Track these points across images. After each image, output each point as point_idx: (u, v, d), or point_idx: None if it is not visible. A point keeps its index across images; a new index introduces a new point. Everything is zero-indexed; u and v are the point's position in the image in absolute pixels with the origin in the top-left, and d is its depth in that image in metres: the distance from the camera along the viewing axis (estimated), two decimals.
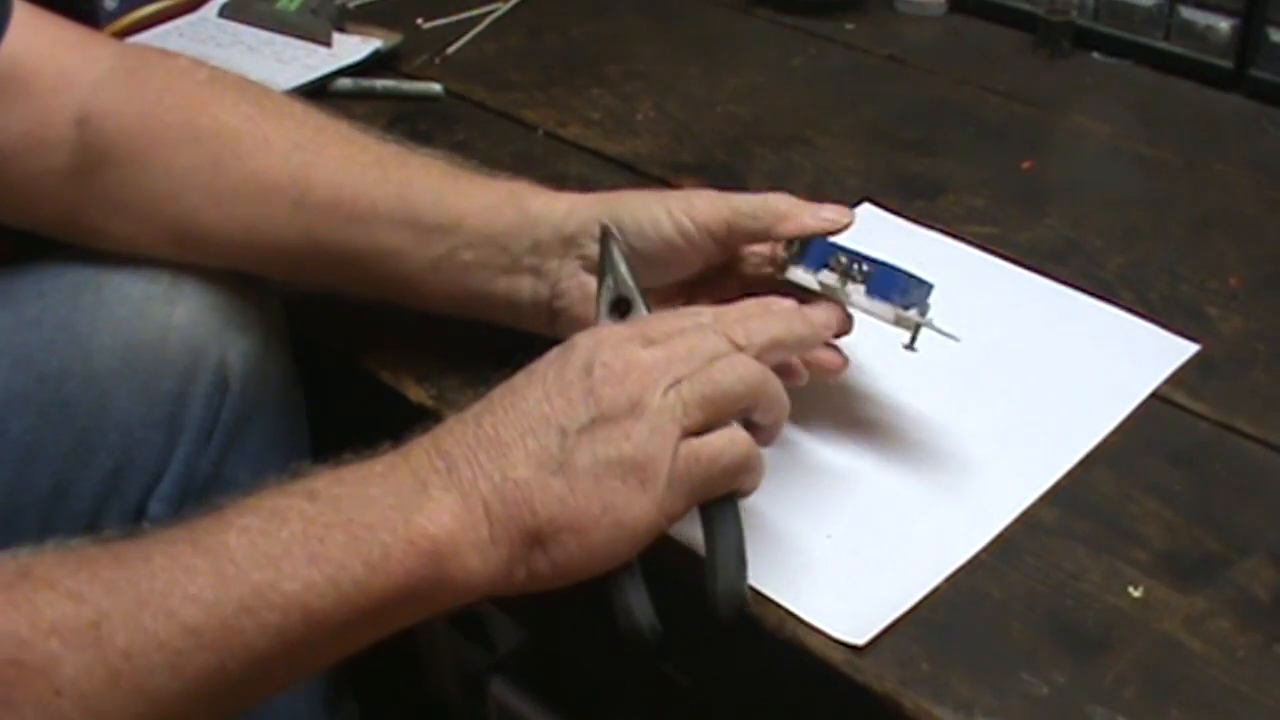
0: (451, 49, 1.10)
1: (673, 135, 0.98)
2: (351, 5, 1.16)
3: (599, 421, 0.56)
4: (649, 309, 0.65)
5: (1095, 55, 1.08)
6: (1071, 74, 1.06)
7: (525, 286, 0.71)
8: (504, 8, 1.16)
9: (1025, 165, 0.93)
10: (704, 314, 0.62)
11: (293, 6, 1.10)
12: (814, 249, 0.67)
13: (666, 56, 1.09)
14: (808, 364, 0.67)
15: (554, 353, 0.59)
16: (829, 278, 0.66)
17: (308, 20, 1.08)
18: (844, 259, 0.66)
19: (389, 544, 0.53)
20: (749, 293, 0.65)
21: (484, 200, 0.71)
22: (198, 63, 0.75)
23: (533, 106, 1.02)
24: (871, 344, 0.67)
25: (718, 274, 0.71)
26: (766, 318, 0.62)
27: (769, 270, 0.70)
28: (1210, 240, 0.85)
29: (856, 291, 0.65)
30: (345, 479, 0.55)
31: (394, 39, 1.08)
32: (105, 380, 0.70)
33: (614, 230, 0.67)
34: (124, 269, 0.71)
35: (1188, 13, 1.02)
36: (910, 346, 0.65)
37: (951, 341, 0.65)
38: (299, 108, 0.74)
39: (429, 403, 0.73)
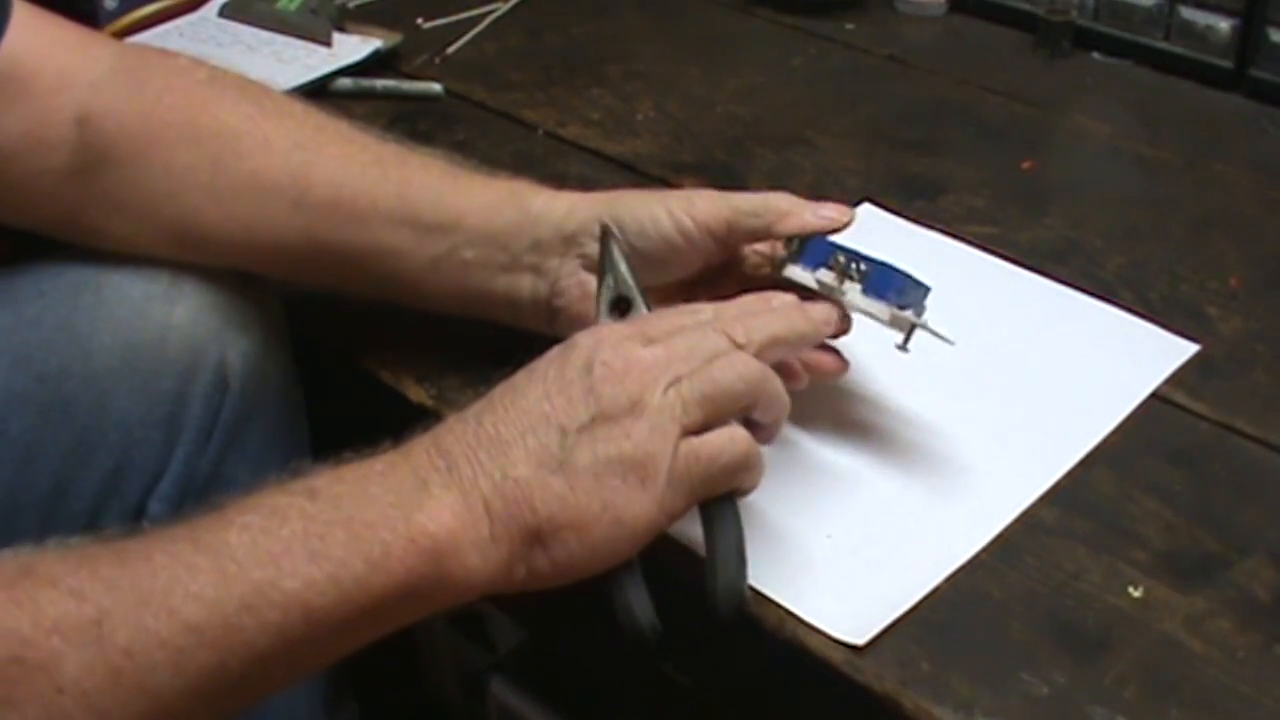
0: (451, 49, 1.10)
1: (673, 135, 0.98)
2: (351, 5, 1.16)
3: (599, 420, 0.56)
4: (649, 308, 0.65)
5: (1095, 55, 1.08)
6: (1071, 74, 1.06)
7: (525, 285, 0.71)
8: (504, 8, 1.16)
9: (1025, 165, 0.93)
10: (704, 311, 0.62)
11: (293, 6, 1.10)
12: (813, 248, 0.67)
13: (666, 56, 1.09)
14: (808, 367, 0.67)
15: (554, 351, 0.60)
16: (826, 276, 0.66)
17: (308, 20, 1.08)
18: (842, 258, 0.66)
19: (389, 542, 0.53)
20: (748, 291, 0.65)
21: (484, 199, 0.71)
22: (197, 62, 0.75)
23: (533, 106, 1.02)
24: (872, 344, 0.67)
25: (717, 273, 0.71)
26: (766, 315, 0.62)
27: (767, 270, 0.70)
28: (1210, 240, 0.85)
29: (853, 290, 0.65)
30: (345, 477, 0.55)
31: (394, 39, 1.08)
32: (105, 380, 0.70)
33: (614, 229, 0.67)
34: (124, 268, 0.71)
35: (1188, 13, 1.02)
36: (903, 347, 0.65)
37: (946, 344, 0.65)
38: (299, 107, 0.74)
39: (429, 402, 0.73)
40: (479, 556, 0.55)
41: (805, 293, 0.67)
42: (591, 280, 0.69)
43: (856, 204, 0.87)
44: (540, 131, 0.99)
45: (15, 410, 0.69)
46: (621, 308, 0.65)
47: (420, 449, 0.57)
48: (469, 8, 1.16)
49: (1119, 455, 0.69)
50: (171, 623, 0.49)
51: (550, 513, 0.55)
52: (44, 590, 0.49)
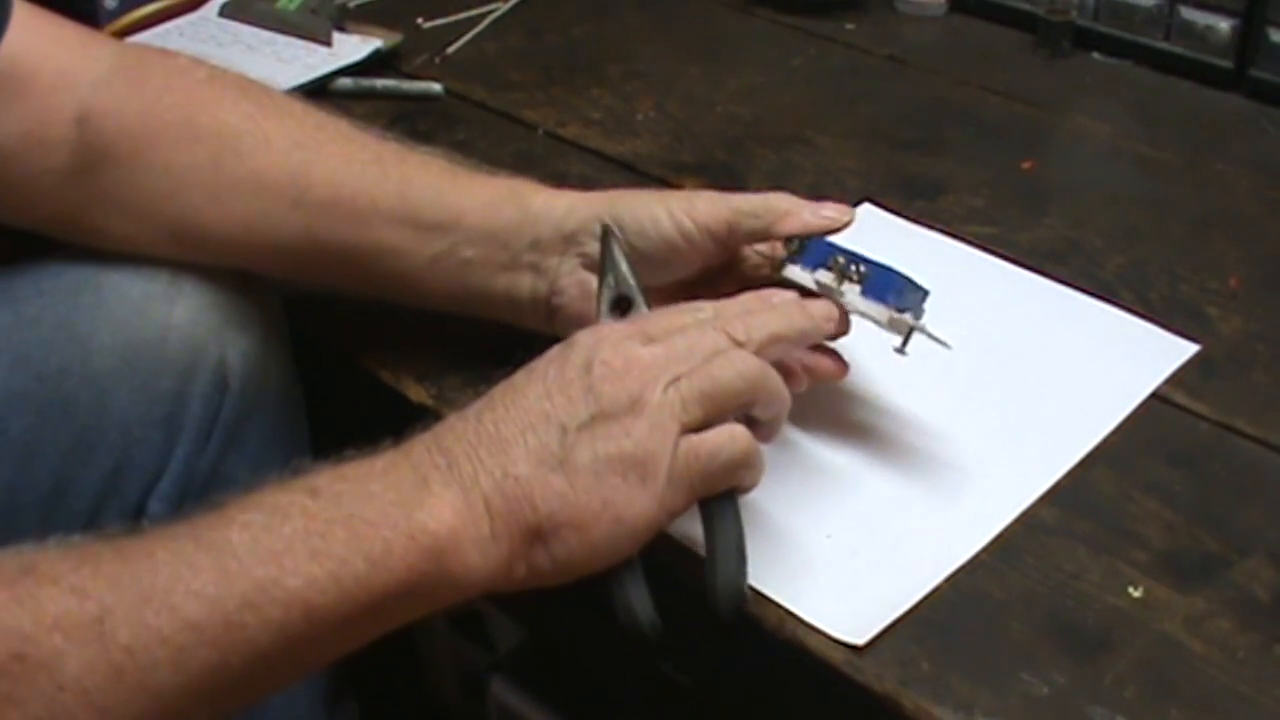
0: (451, 49, 1.10)
1: (673, 135, 0.98)
2: (351, 5, 1.16)
3: (599, 418, 0.56)
4: (649, 307, 0.65)
5: (1095, 55, 1.08)
6: (1071, 74, 1.06)
7: (524, 283, 0.71)
8: (504, 8, 1.16)
9: (1025, 165, 0.93)
10: (704, 310, 0.62)
11: (293, 6, 1.10)
12: (813, 248, 0.67)
13: (666, 56, 1.09)
14: (807, 369, 0.67)
15: (554, 351, 0.60)
16: (825, 277, 0.66)
17: (308, 20, 1.08)
18: (841, 259, 0.66)
19: (390, 540, 0.53)
20: (747, 291, 0.65)
21: (484, 197, 0.71)
22: (197, 61, 0.75)
23: (533, 106, 1.02)
24: (872, 344, 0.67)
25: (717, 273, 0.71)
26: (767, 313, 0.62)
27: (767, 271, 0.70)
28: (1210, 240, 0.85)
29: (852, 292, 0.65)
30: (347, 475, 0.55)
31: (394, 39, 1.08)
32: (105, 379, 0.70)
33: (615, 229, 0.67)
34: (123, 268, 0.71)
35: (1188, 13, 1.02)
36: (901, 350, 0.65)
37: (943, 348, 0.65)
38: (299, 106, 0.74)
39: (429, 402, 0.73)
40: (479, 554, 0.55)
41: (804, 293, 0.67)
42: (591, 279, 0.69)
43: (856, 204, 0.87)
44: (540, 131, 0.99)
45: (15, 409, 0.69)
46: (622, 307, 0.65)
47: (421, 447, 0.57)
48: (469, 8, 1.16)
49: (1119, 455, 0.69)
50: (173, 620, 0.49)
51: (550, 510, 0.55)
52: (45, 588, 0.49)
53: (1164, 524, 0.65)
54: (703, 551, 0.59)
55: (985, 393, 0.73)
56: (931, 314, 0.66)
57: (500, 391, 0.59)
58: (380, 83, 1.04)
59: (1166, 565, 0.62)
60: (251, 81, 0.75)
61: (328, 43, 1.06)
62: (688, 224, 0.68)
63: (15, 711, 0.47)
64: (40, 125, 0.70)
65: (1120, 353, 0.75)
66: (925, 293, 0.66)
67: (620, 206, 0.69)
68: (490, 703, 0.94)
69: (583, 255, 0.69)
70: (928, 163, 0.94)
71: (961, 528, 0.65)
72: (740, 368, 0.59)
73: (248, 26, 1.09)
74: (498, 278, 0.71)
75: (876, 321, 0.65)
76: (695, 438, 0.57)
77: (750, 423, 0.60)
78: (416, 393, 0.74)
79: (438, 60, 1.09)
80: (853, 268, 0.66)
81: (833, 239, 0.67)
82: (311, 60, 1.04)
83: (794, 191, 0.69)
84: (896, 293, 0.65)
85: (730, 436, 0.58)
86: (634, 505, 0.56)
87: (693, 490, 0.58)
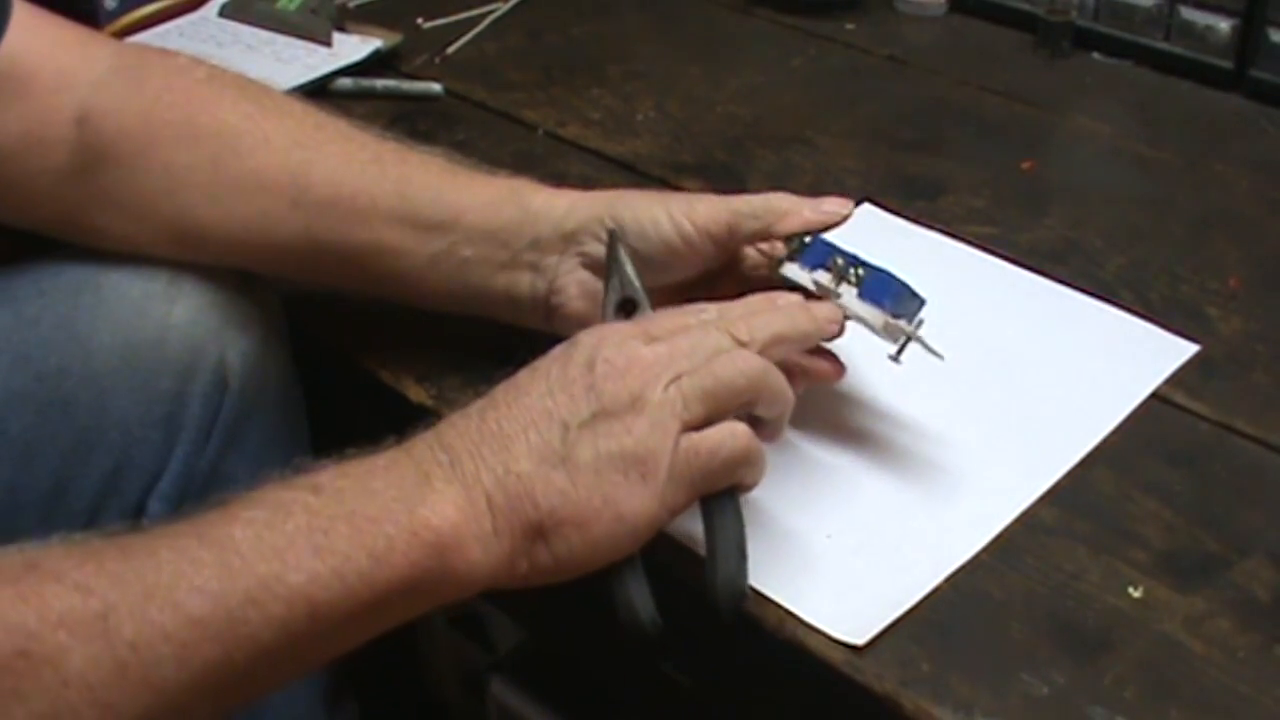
0: (451, 49, 1.10)
1: (673, 135, 0.98)
2: (351, 5, 1.16)
3: (600, 416, 0.57)
4: (654, 309, 0.65)
5: (1095, 55, 1.08)
6: (1071, 74, 1.06)
7: (524, 282, 0.71)
8: (504, 8, 1.16)
9: (1025, 165, 0.93)
10: (708, 310, 0.62)
11: (293, 6, 1.10)
12: (813, 249, 0.67)
13: (666, 56, 1.09)
14: (805, 372, 0.66)
15: (557, 350, 0.60)
16: (824, 278, 0.66)
17: (308, 20, 1.08)
18: (841, 261, 0.66)
19: (393, 536, 0.53)
20: (747, 292, 0.65)
21: (483, 196, 0.71)
22: (197, 61, 0.75)
23: (533, 106, 1.02)
24: (873, 346, 0.67)
25: (716, 274, 0.71)
26: (770, 313, 0.62)
27: (765, 271, 0.70)
28: (1210, 240, 0.85)
29: (849, 294, 0.65)
30: (349, 472, 0.55)
31: (394, 39, 1.08)
32: (104, 379, 0.70)
33: (620, 232, 0.67)
34: (123, 268, 0.71)
35: (1188, 13, 1.02)
36: (895, 358, 0.65)
37: (936, 360, 0.65)
38: (298, 106, 0.74)
39: (429, 402, 0.73)
40: (481, 551, 0.55)
41: (802, 294, 0.67)
42: (590, 279, 0.69)
43: (857, 204, 0.87)
44: (540, 131, 0.99)
45: (15, 409, 0.70)
46: (627, 309, 0.65)
47: (423, 444, 0.57)
48: (469, 8, 1.16)
49: (1119, 455, 0.69)
50: (176, 616, 0.49)
51: (552, 507, 0.55)
52: (49, 585, 0.49)
53: (1164, 524, 0.65)
54: (703, 551, 0.60)
55: (985, 393, 0.73)
56: (932, 314, 0.66)
57: (503, 390, 0.59)
58: (380, 83, 1.04)
59: (1166, 565, 0.62)
60: (251, 81, 0.75)
61: (328, 43, 1.06)
62: (688, 227, 0.68)
63: (20, 708, 0.47)
64: (40, 125, 0.70)
65: (1120, 353, 0.75)
66: (922, 301, 0.66)
67: (620, 207, 0.69)
68: (490, 703, 0.94)
69: (582, 255, 0.70)
70: (928, 163, 0.94)
71: (961, 528, 0.65)
72: (742, 366, 0.59)
73: (248, 26, 1.09)
74: (497, 277, 0.71)
75: (871, 326, 0.65)
76: (696, 435, 0.58)
77: (754, 422, 0.60)
78: (416, 393, 0.74)
79: (438, 60, 1.09)
80: (851, 270, 0.65)
81: (835, 241, 0.67)
82: (311, 60, 1.04)
83: (794, 192, 0.69)
84: (894, 298, 0.65)
85: (731, 434, 0.58)
86: (635, 503, 0.56)
87: (693, 488, 0.58)
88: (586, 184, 0.78)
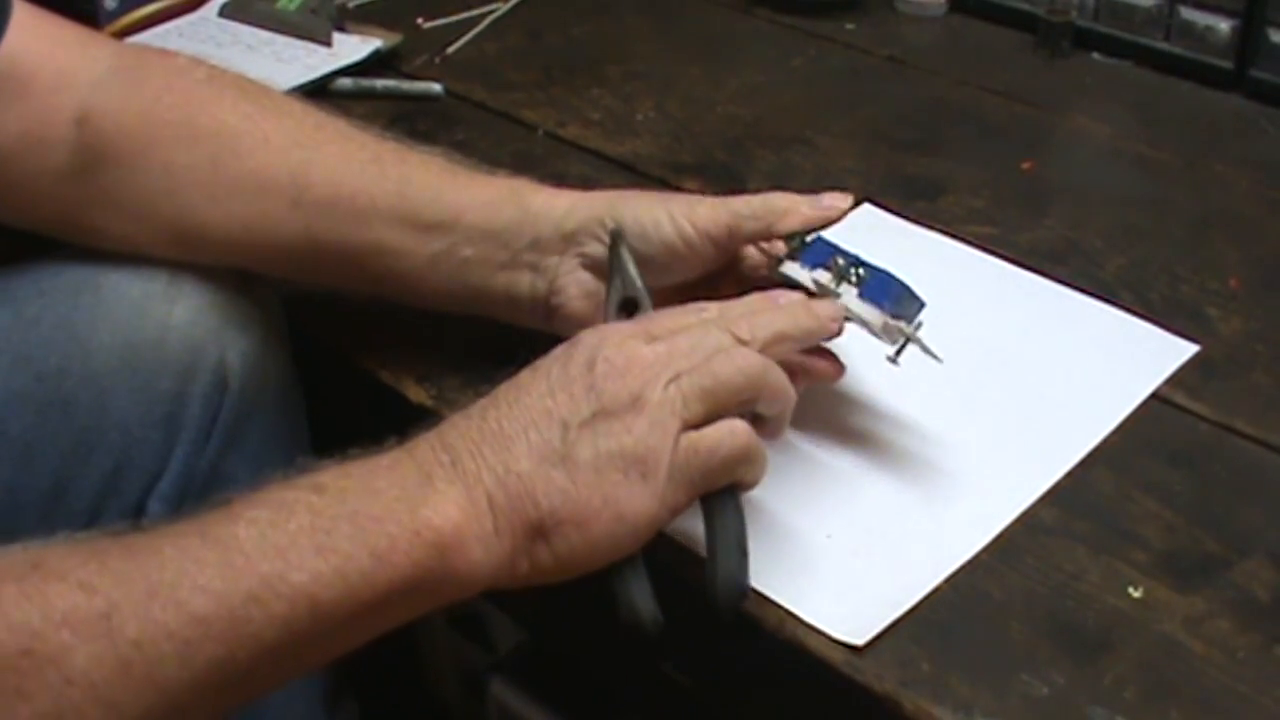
0: (451, 49, 1.10)
1: (673, 135, 0.98)
2: (351, 5, 1.16)
3: (600, 415, 0.57)
4: (655, 310, 0.65)
5: (1095, 55, 1.08)
6: (1071, 74, 1.06)
7: (524, 282, 0.71)
8: (504, 8, 1.16)
9: (1025, 165, 0.93)
10: (709, 310, 0.62)
11: (293, 6, 1.10)
12: (814, 249, 0.67)
13: (666, 56, 1.09)
14: (804, 371, 0.66)
15: (558, 350, 0.60)
16: (824, 277, 0.66)
17: (308, 20, 1.08)
18: (842, 261, 0.66)
19: (395, 535, 0.53)
20: (747, 291, 0.65)
21: (483, 196, 0.71)
22: (196, 61, 0.75)
23: (533, 106, 1.02)
24: (873, 346, 0.67)
25: (716, 275, 0.71)
26: (772, 312, 0.62)
27: (765, 271, 0.70)
28: (1210, 240, 0.85)
29: (849, 294, 0.65)
30: (351, 473, 0.55)
31: (394, 39, 1.08)
32: (104, 379, 0.70)
33: (622, 232, 0.67)
34: (123, 268, 0.71)
35: (1188, 13, 1.02)
36: (894, 359, 0.65)
37: (934, 361, 0.65)
38: (298, 106, 0.74)
39: (429, 403, 0.73)
40: (482, 550, 0.55)
41: (803, 293, 0.67)
42: (590, 279, 0.69)
43: (856, 204, 0.87)
44: (540, 132, 0.99)
45: (15, 409, 0.70)
46: (629, 309, 0.66)
47: (425, 445, 0.57)
48: (469, 8, 1.16)
49: (1119, 455, 0.69)
50: (180, 615, 0.50)
51: (552, 506, 0.56)
52: (53, 584, 0.49)
53: (1164, 524, 0.65)
54: (703, 550, 0.60)
55: (985, 393, 0.73)
56: (932, 314, 0.66)
57: (504, 390, 0.59)
58: (380, 83, 1.04)
59: (1166, 565, 0.62)
60: (250, 81, 0.75)
61: (328, 43, 1.06)
62: (688, 229, 0.68)
63: (24, 706, 0.47)
64: (40, 125, 0.70)
65: (1120, 353, 0.75)
66: (922, 303, 0.66)
67: (621, 208, 0.69)
68: (490, 703, 0.94)
69: (582, 255, 0.70)
70: (927, 163, 0.94)
71: (961, 528, 0.65)
72: (741, 364, 0.59)
73: (247, 27, 1.09)
74: (497, 277, 0.71)
75: (870, 326, 0.65)
76: (695, 434, 0.58)
77: (755, 420, 0.60)
78: (416, 393, 0.74)
79: (438, 60, 1.09)
80: (852, 270, 0.65)
81: (836, 241, 0.67)
82: (311, 60, 1.04)
83: (794, 192, 0.69)
84: (894, 299, 0.65)
85: (730, 432, 0.58)
86: (634, 502, 0.56)
87: (693, 486, 0.58)
88: (586, 184, 0.78)
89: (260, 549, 0.51)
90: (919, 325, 0.65)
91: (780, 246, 0.68)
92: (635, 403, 0.57)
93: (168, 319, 0.71)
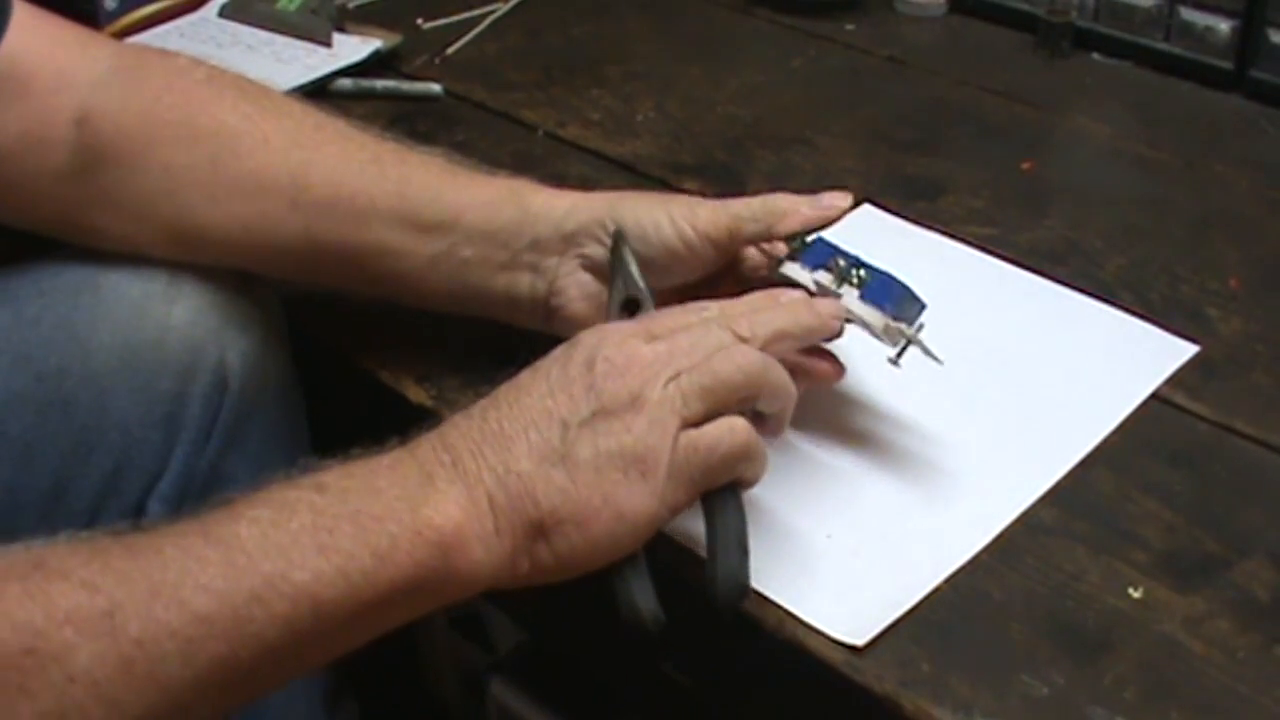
0: (451, 49, 1.10)
1: (673, 136, 0.98)
2: (351, 5, 1.16)
3: (600, 415, 0.57)
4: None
5: (1095, 56, 1.08)
6: (1071, 74, 1.06)
7: (524, 283, 0.71)
8: (504, 8, 1.16)
9: (1025, 166, 0.93)
10: (710, 308, 0.62)
11: (293, 6, 1.10)
12: (815, 249, 0.67)
13: (666, 56, 1.09)
14: (804, 372, 0.66)
15: (559, 350, 0.60)
16: (824, 278, 0.66)
17: (308, 20, 1.08)
18: (843, 262, 0.66)
19: (396, 535, 0.53)
20: (746, 292, 0.65)
21: (483, 197, 0.71)
22: (196, 62, 0.75)
23: (533, 107, 1.02)
24: (873, 346, 0.67)
25: (716, 276, 0.71)
26: (773, 310, 0.62)
27: (765, 272, 0.70)
28: (1210, 240, 0.85)
29: (850, 295, 0.65)
30: (353, 472, 0.56)
31: (394, 39, 1.08)
32: (104, 379, 0.70)
33: (625, 233, 0.67)
34: (123, 268, 0.71)
35: (1188, 14, 1.02)
36: (895, 361, 0.65)
37: (935, 362, 0.65)
38: (297, 106, 0.74)
39: (429, 403, 0.73)
40: (484, 550, 0.55)
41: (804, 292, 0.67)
42: (590, 281, 0.69)
43: (856, 205, 0.87)
44: (540, 132, 0.99)
45: (14, 410, 0.70)
46: (631, 309, 0.66)
47: (426, 445, 0.57)
48: (469, 8, 1.16)
49: (1119, 456, 0.69)
50: (182, 614, 0.50)
51: (552, 506, 0.56)
52: (56, 582, 0.49)
53: (1164, 524, 0.65)
54: (703, 550, 0.60)
55: (985, 393, 0.73)
56: (932, 315, 0.66)
57: (505, 390, 0.59)
58: (380, 83, 1.04)
59: (1166, 566, 0.62)
60: (250, 82, 0.75)
61: (327, 43, 1.06)
62: (689, 232, 0.68)
63: (27, 704, 0.47)
64: (39, 125, 0.70)
65: (1120, 353, 0.75)
66: (923, 305, 0.66)
67: (621, 209, 0.69)
68: (490, 703, 0.94)
69: (582, 257, 0.70)
70: (927, 163, 0.94)
71: (961, 528, 0.65)
72: (740, 362, 0.59)
73: (247, 27, 1.09)
74: (497, 277, 0.71)
75: (871, 328, 0.65)
76: (694, 432, 0.58)
77: (756, 418, 0.60)
78: (416, 394, 0.74)
79: (437, 61, 1.09)
80: (853, 272, 0.65)
81: (837, 242, 0.67)
82: (311, 61, 1.04)
83: (793, 193, 0.69)
84: (895, 301, 0.65)
85: (729, 429, 0.58)
86: (634, 500, 0.56)
87: (693, 484, 0.58)
88: (586, 185, 0.78)
89: (262, 548, 0.52)
90: (920, 327, 0.65)
91: (781, 248, 0.68)
92: (634, 402, 0.57)
93: (168, 319, 0.71)
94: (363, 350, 0.78)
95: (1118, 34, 1.06)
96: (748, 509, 0.60)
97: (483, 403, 0.59)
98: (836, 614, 0.60)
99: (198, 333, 0.71)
